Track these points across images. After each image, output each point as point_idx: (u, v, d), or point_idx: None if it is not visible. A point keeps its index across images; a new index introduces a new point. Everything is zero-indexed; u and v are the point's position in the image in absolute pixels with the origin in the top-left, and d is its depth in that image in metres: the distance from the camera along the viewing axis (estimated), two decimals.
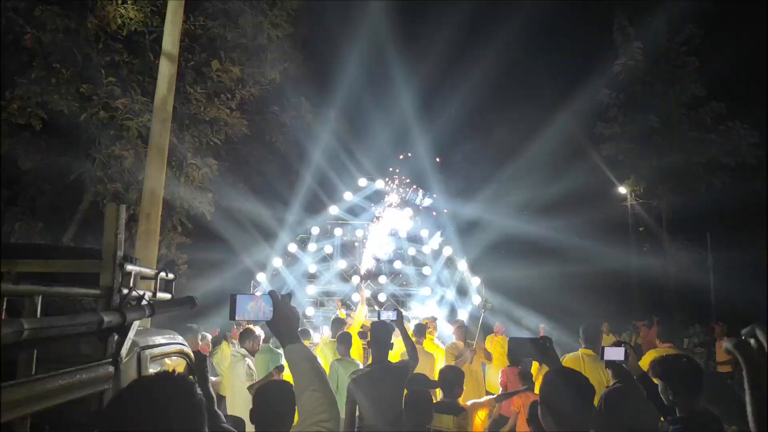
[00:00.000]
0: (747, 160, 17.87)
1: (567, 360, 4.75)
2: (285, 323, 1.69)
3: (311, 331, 7.49)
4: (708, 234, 18.21)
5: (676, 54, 18.57)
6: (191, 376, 2.59)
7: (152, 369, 2.26)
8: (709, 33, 17.75)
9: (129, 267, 1.99)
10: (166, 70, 6.80)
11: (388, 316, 4.39)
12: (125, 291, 1.96)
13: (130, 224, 8.29)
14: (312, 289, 13.49)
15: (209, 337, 7.04)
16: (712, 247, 18.15)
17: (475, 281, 15.02)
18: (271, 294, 1.75)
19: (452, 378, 4.10)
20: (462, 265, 15.15)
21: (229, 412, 5.58)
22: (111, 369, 1.82)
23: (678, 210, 19.32)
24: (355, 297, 12.73)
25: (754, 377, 0.69)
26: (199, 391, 1.31)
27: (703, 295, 17.84)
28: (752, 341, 0.71)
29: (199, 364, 2.75)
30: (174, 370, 1.27)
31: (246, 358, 5.25)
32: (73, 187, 9.20)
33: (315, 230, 14.19)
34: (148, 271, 2.25)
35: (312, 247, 14.10)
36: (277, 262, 14.02)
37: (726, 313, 15.76)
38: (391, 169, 15.71)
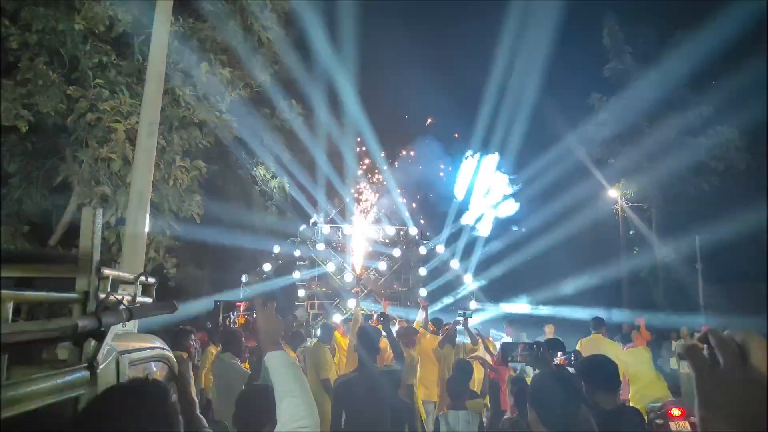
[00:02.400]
0: (735, 164, 18.06)
1: (585, 342, 6.60)
2: (266, 330, 1.70)
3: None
4: (697, 237, 18.35)
5: (666, 58, 18.75)
6: (172, 381, 2.56)
7: (131, 374, 2.23)
8: (698, 37, 17.93)
9: (106, 271, 1.96)
10: (154, 72, 6.75)
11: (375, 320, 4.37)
12: (102, 296, 1.93)
13: (118, 227, 8.21)
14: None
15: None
16: (701, 250, 18.29)
17: (471, 285, 15.07)
18: (253, 301, 1.75)
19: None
20: (455, 263, 15.19)
21: (216, 418, 5.55)
22: (86, 374, 1.79)
23: (667, 213, 19.49)
24: (351, 303, 12.72)
25: (703, 383, 0.69)
26: (174, 396, 1.30)
27: (693, 297, 17.98)
28: (705, 347, 0.70)
29: (181, 369, 2.72)
30: (147, 377, 1.26)
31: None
32: (59, 189, 9.11)
33: (306, 231, 14.16)
34: (127, 276, 2.22)
35: (301, 250, 14.08)
36: (266, 266, 13.98)
37: (715, 316, 15.90)
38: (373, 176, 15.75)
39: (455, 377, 4.51)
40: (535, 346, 4.45)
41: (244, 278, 13.55)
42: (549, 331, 8.22)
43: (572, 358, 3.76)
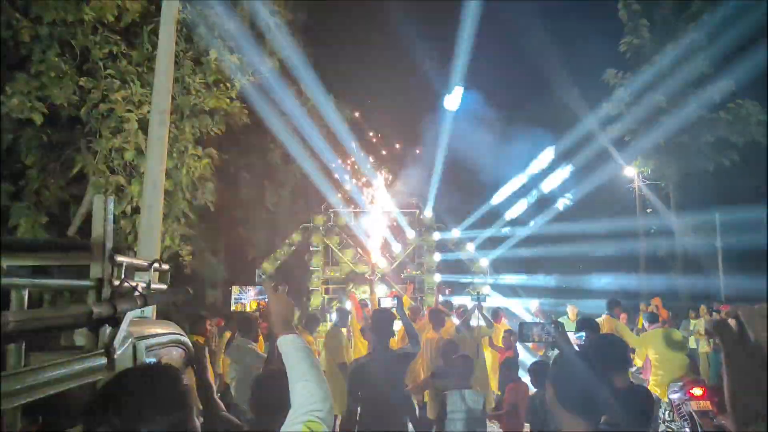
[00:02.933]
0: (756, 138, 17.61)
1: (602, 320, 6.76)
2: (278, 314, 1.70)
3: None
4: (716, 214, 18.02)
5: (683, 31, 18.23)
6: (188, 366, 2.59)
7: (148, 359, 2.26)
8: (717, 8, 17.39)
9: (120, 258, 1.98)
10: (163, 61, 6.76)
11: (390, 303, 4.39)
12: (116, 282, 1.95)
13: (133, 216, 8.31)
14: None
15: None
16: (721, 227, 17.97)
17: (483, 262, 15.01)
18: (265, 285, 1.76)
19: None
20: (470, 246, 15.13)
21: (234, 402, 5.64)
22: (103, 360, 1.82)
23: (686, 191, 19.14)
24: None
25: (733, 358, 0.67)
26: (186, 380, 1.31)
27: (711, 276, 17.73)
28: (733, 322, 0.68)
29: (197, 354, 2.75)
30: (160, 361, 1.27)
31: None
32: (76, 180, 9.23)
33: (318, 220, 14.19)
34: (141, 262, 2.24)
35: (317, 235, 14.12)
36: (280, 252, 14.07)
37: (734, 295, 15.67)
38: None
39: (443, 358, 4.62)
40: (552, 326, 4.46)
41: (257, 273, 13.65)
42: (572, 312, 8.13)
43: (583, 338, 3.77)
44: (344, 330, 7.22)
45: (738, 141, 17.78)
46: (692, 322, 10.32)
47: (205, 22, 9.24)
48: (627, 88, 18.49)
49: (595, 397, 1.93)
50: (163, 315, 4.06)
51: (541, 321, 4.99)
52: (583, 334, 4.39)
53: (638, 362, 6.79)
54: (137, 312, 3.30)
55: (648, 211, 20.65)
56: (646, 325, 7.46)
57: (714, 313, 9.38)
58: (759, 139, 17.53)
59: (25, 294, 1.56)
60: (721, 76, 17.76)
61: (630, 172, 20.30)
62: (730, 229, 17.29)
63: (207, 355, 3.93)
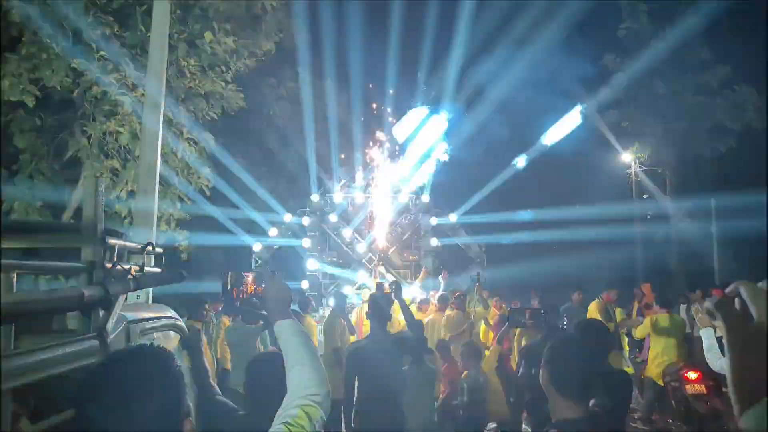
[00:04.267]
0: (753, 124, 17.58)
1: (591, 306, 7.01)
2: (275, 299, 1.69)
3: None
4: (712, 200, 18.04)
5: (682, 16, 18.08)
6: (184, 350, 2.57)
7: (142, 343, 2.24)
8: None
9: (112, 241, 1.94)
10: (157, 43, 6.65)
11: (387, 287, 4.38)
12: (109, 265, 1.91)
13: (128, 201, 8.25)
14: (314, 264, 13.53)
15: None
16: (717, 213, 18.01)
17: (474, 249, 15.00)
18: (261, 271, 1.74)
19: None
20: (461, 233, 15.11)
21: (233, 386, 5.65)
22: (96, 343, 1.79)
23: (682, 176, 19.15)
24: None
25: (735, 338, 0.64)
26: (177, 363, 1.28)
27: (707, 261, 17.81)
28: (736, 300, 0.65)
29: (193, 338, 2.74)
30: (151, 343, 1.24)
31: None
32: (70, 164, 9.14)
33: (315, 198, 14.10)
34: (134, 245, 2.20)
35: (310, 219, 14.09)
36: (273, 232, 14.03)
37: (729, 280, 15.75)
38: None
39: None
40: (542, 312, 4.53)
41: (253, 258, 13.61)
42: (577, 299, 8.19)
43: (564, 323, 3.87)
44: (340, 316, 7.21)
45: (735, 127, 17.75)
46: (682, 307, 10.33)
47: (198, 3, 9.09)
48: (625, 73, 18.39)
49: (589, 381, 1.95)
50: (161, 299, 4.06)
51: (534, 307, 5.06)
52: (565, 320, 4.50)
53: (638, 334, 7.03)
54: (133, 296, 3.28)
55: (644, 196, 20.68)
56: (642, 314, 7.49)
57: (706, 299, 9.41)
58: (756, 125, 17.51)
59: (14, 276, 1.53)
60: (717, 60, 17.68)
61: (627, 157, 20.29)
62: (726, 214, 17.33)
63: (203, 339, 3.92)
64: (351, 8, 15.76)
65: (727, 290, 0.67)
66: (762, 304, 0.63)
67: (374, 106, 16.99)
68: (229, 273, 1.97)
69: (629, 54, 18.56)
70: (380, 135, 15.79)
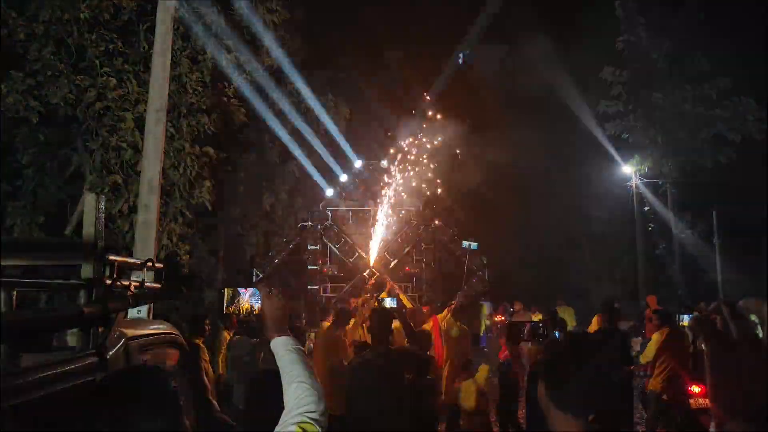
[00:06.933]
0: (753, 134, 17.62)
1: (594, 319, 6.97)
2: (271, 316, 1.69)
3: None
4: (714, 212, 18.00)
5: (680, 28, 18.22)
6: (182, 367, 2.57)
7: (142, 359, 2.25)
8: (713, 4, 17.39)
9: (112, 257, 1.96)
10: (160, 59, 6.73)
11: (389, 303, 4.38)
12: (109, 282, 1.93)
13: (130, 216, 8.28)
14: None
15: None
16: (719, 224, 17.96)
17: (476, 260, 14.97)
18: (258, 287, 1.75)
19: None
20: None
21: (235, 401, 5.62)
22: (95, 360, 1.80)
23: (683, 188, 19.14)
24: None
25: (714, 354, 0.66)
26: (173, 382, 1.29)
27: (709, 273, 17.72)
28: (718, 318, 0.67)
29: (193, 355, 2.74)
30: (146, 362, 1.25)
31: None
32: (73, 180, 9.19)
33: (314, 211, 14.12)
34: (134, 261, 2.22)
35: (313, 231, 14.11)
36: (276, 248, 14.04)
37: (732, 291, 15.67)
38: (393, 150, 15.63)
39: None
40: (540, 325, 4.53)
41: (254, 273, 13.60)
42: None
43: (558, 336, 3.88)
44: (339, 330, 7.14)
45: (735, 137, 17.79)
46: (685, 317, 10.22)
47: (201, 20, 9.20)
48: (624, 86, 18.49)
49: (587, 395, 1.92)
50: (161, 315, 4.07)
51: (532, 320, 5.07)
52: (557, 333, 4.52)
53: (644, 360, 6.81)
54: (133, 311, 3.28)
55: (645, 209, 20.64)
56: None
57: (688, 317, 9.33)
58: (756, 136, 17.55)
59: (14, 294, 1.55)
60: (716, 72, 17.77)
61: (627, 170, 20.29)
62: (728, 226, 17.28)
63: (204, 355, 3.91)
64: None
65: (709, 308, 0.69)
66: (739, 323, 0.64)
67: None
68: (225, 290, 1.97)
69: (628, 66, 18.68)
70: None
